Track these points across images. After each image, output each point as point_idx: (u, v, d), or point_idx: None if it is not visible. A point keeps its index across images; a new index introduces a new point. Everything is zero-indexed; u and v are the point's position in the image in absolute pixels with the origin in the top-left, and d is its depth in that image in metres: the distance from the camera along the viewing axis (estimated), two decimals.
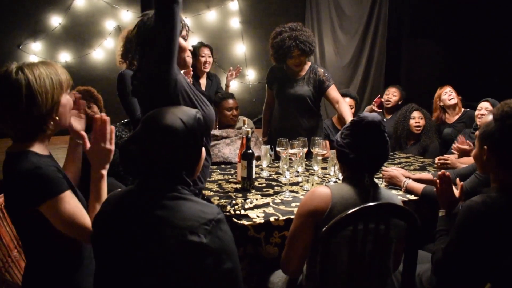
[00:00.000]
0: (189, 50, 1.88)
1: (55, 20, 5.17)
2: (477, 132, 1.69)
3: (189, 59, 1.89)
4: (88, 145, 1.47)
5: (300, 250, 1.49)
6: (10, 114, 1.32)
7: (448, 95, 3.70)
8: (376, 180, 2.25)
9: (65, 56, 5.25)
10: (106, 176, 1.48)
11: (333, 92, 3.05)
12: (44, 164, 1.32)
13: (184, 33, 1.82)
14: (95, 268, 1.25)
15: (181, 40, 1.80)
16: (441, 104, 3.78)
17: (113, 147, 1.48)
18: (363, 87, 5.75)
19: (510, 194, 1.55)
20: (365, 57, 5.66)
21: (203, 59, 3.57)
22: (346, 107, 2.98)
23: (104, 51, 5.37)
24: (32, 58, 5.08)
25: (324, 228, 1.34)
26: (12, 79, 1.31)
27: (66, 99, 1.42)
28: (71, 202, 1.34)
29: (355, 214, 1.35)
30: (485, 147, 1.60)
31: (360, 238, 1.38)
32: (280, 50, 2.96)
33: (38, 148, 1.38)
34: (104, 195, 1.45)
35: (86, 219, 1.36)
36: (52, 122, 1.38)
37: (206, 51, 3.58)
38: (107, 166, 1.48)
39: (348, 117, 2.86)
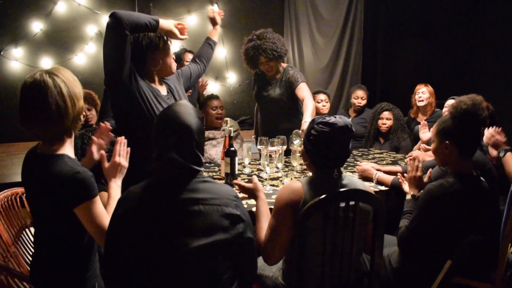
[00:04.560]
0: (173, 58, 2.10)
1: (36, 26, 5.20)
2: (433, 129, 1.89)
3: (174, 66, 2.08)
4: (106, 164, 1.71)
5: (282, 239, 1.60)
6: (44, 117, 1.43)
7: (418, 96, 3.88)
8: (350, 174, 2.42)
9: (46, 62, 5.29)
10: (120, 185, 1.71)
11: (299, 91, 3.03)
12: (81, 169, 1.46)
13: (161, 45, 2.03)
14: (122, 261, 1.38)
15: (169, 49, 2.04)
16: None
17: (127, 164, 1.74)
18: (341, 87, 5.95)
19: (464, 180, 1.76)
20: (342, 58, 5.85)
21: (187, 64, 3.59)
22: (308, 106, 2.86)
23: (86, 56, 5.43)
24: (14, 64, 5.12)
25: (301, 212, 1.50)
26: (45, 85, 1.42)
27: (83, 104, 1.56)
28: (100, 205, 1.50)
29: (328, 199, 1.50)
30: (447, 142, 1.79)
31: (331, 222, 1.54)
32: (247, 58, 3.12)
33: (69, 151, 1.52)
34: (117, 196, 1.64)
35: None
36: (76, 125, 1.52)
37: (190, 57, 3.61)
38: (121, 178, 1.72)
39: (307, 115, 2.78)
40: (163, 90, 2.11)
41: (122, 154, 1.74)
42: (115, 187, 1.69)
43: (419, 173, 2.05)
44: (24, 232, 2.08)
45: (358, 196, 1.55)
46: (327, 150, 1.60)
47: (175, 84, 2.21)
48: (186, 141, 1.38)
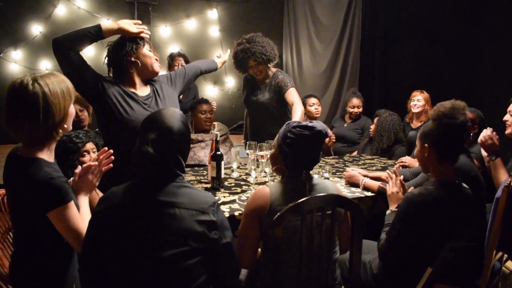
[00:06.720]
0: (155, 59, 2.14)
1: (36, 29, 5.25)
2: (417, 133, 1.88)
3: (156, 65, 2.14)
4: (76, 178, 1.67)
5: (250, 243, 1.66)
6: (28, 123, 1.45)
7: (414, 103, 3.86)
8: (337, 179, 2.42)
9: (45, 64, 5.33)
10: (87, 199, 1.68)
11: (289, 96, 3.04)
12: (56, 175, 1.47)
13: (147, 46, 2.11)
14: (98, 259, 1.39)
15: (144, 50, 2.10)
16: None
17: (97, 183, 1.71)
18: (339, 93, 5.96)
19: (444, 187, 1.75)
20: (340, 64, 5.86)
21: (176, 68, 3.71)
22: (297, 111, 2.89)
23: (85, 58, 5.44)
24: (13, 66, 5.17)
25: (274, 218, 1.50)
26: (30, 91, 1.43)
27: (71, 108, 1.57)
28: (74, 211, 1.50)
29: (301, 205, 1.51)
30: (426, 145, 1.79)
31: (306, 226, 1.55)
32: (236, 61, 3.13)
33: (46, 155, 1.52)
34: (85, 209, 1.64)
35: (85, 227, 1.50)
36: (61, 130, 1.53)
37: (179, 60, 3.73)
38: (88, 195, 1.69)
39: (296, 120, 2.69)
40: (142, 91, 2.13)
41: (97, 171, 1.69)
42: (83, 201, 1.65)
43: (398, 189, 2.07)
44: (10, 233, 2.09)
45: (334, 202, 1.56)
46: (303, 152, 1.65)
47: (162, 85, 2.23)
48: (165, 140, 1.40)
